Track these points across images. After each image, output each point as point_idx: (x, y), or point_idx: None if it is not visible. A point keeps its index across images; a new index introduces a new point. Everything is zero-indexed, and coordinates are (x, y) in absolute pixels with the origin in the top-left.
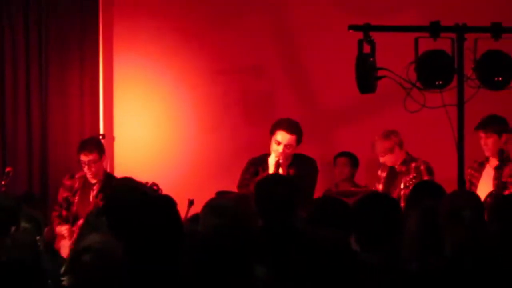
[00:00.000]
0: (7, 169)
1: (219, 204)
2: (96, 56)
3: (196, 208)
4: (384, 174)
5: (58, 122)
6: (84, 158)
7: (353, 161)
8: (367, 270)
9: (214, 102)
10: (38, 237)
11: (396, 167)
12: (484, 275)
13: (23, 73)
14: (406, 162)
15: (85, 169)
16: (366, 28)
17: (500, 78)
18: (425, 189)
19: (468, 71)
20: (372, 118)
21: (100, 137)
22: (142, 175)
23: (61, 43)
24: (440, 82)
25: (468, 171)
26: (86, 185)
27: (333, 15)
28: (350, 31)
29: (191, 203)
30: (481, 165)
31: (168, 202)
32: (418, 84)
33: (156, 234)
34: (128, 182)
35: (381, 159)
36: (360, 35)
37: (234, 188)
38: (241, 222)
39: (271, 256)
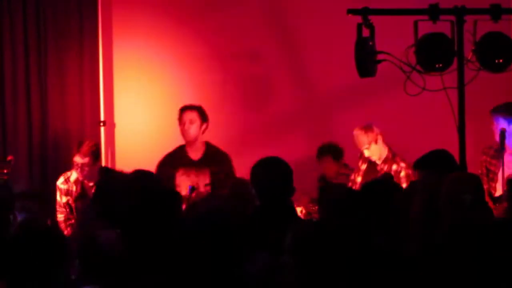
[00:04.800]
0: (8, 158)
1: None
2: (96, 44)
3: None
4: (364, 167)
5: (58, 110)
6: (78, 160)
7: (336, 155)
8: (379, 254)
9: (212, 88)
10: None
11: (378, 163)
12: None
13: (22, 61)
14: (388, 161)
15: (77, 171)
16: (365, 12)
17: (501, 60)
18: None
19: (468, 53)
20: (371, 102)
21: (101, 124)
22: (143, 161)
23: (60, 30)
24: (440, 65)
25: (483, 158)
26: (84, 189)
27: None
28: (349, 14)
29: (192, 189)
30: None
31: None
32: (418, 67)
33: (155, 225)
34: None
35: (367, 153)
36: (359, 18)
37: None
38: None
39: (270, 237)
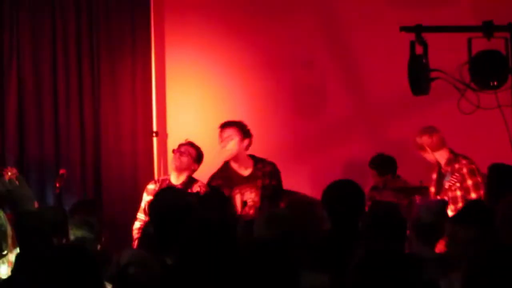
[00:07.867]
0: (61, 171)
1: (274, 216)
2: (148, 54)
3: None
4: (434, 176)
5: (111, 121)
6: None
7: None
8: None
9: (265, 97)
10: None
11: (442, 167)
12: None
13: (75, 72)
14: (451, 161)
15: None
16: (418, 29)
17: None
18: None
19: None
20: (424, 117)
21: (154, 134)
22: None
23: (113, 40)
24: (495, 83)
25: None
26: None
27: (384, 10)
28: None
29: (244, 204)
30: None
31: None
32: (472, 85)
33: (210, 250)
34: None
35: (430, 157)
36: (412, 34)
37: (289, 184)
38: (295, 232)
39: (336, 261)
